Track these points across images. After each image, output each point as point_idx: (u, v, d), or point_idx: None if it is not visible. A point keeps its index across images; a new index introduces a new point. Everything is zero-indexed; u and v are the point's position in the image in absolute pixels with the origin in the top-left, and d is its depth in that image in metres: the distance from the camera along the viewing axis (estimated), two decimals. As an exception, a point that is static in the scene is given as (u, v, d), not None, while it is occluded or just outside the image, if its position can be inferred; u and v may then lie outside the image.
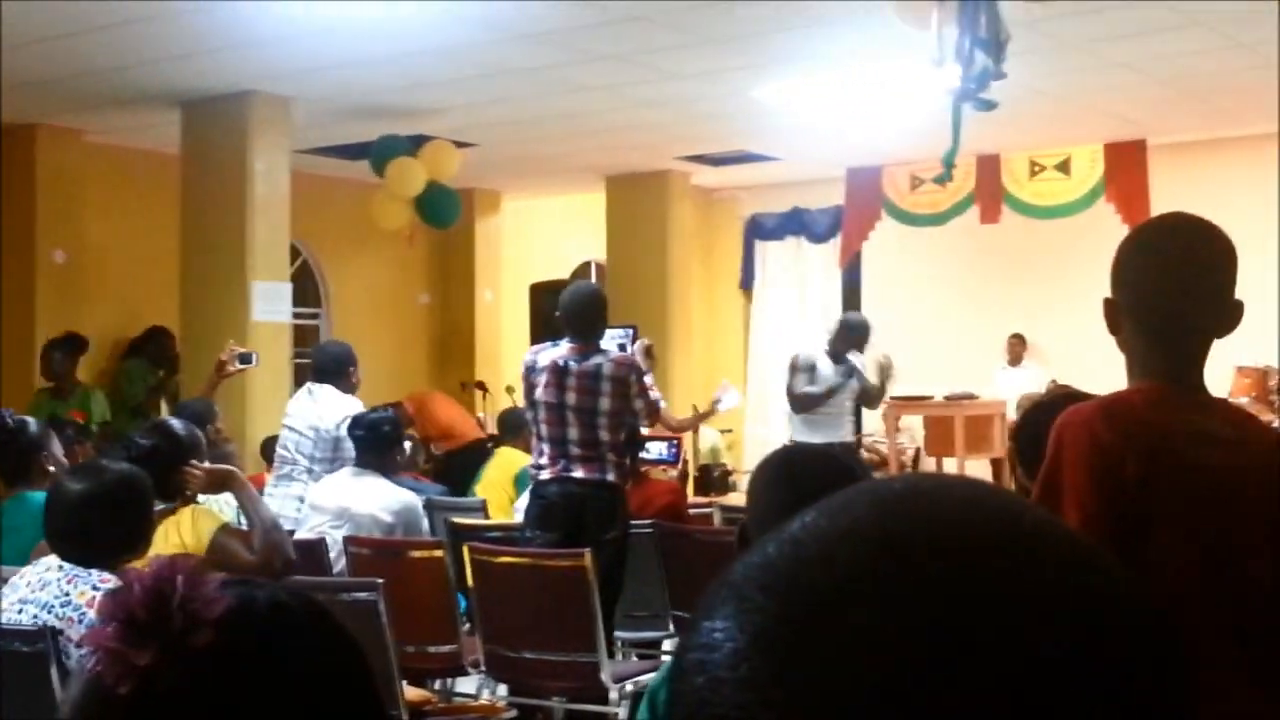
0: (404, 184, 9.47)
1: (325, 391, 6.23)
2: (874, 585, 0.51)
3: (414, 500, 5.63)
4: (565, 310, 5.59)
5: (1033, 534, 0.54)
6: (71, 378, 9.04)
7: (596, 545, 5.07)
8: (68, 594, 3.01)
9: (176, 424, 4.26)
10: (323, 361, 6.46)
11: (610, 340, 6.03)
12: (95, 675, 0.91)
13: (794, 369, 8.21)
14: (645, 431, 6.43)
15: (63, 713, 0.95)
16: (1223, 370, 8.96)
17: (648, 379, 5.73)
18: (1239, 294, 2.20)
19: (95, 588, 3.01)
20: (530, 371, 5.58)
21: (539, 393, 5.54)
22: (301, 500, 5.96)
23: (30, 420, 4.63)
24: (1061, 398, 3.02)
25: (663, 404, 9.22)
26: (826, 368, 8.12)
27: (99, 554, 3.09)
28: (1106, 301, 2.23)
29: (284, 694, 0.93)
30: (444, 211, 9.82)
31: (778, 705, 0.50)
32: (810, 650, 0.51)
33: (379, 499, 5.44)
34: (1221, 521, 2.12)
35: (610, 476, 5.46)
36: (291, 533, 5.10)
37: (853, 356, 8.17)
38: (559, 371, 5.47)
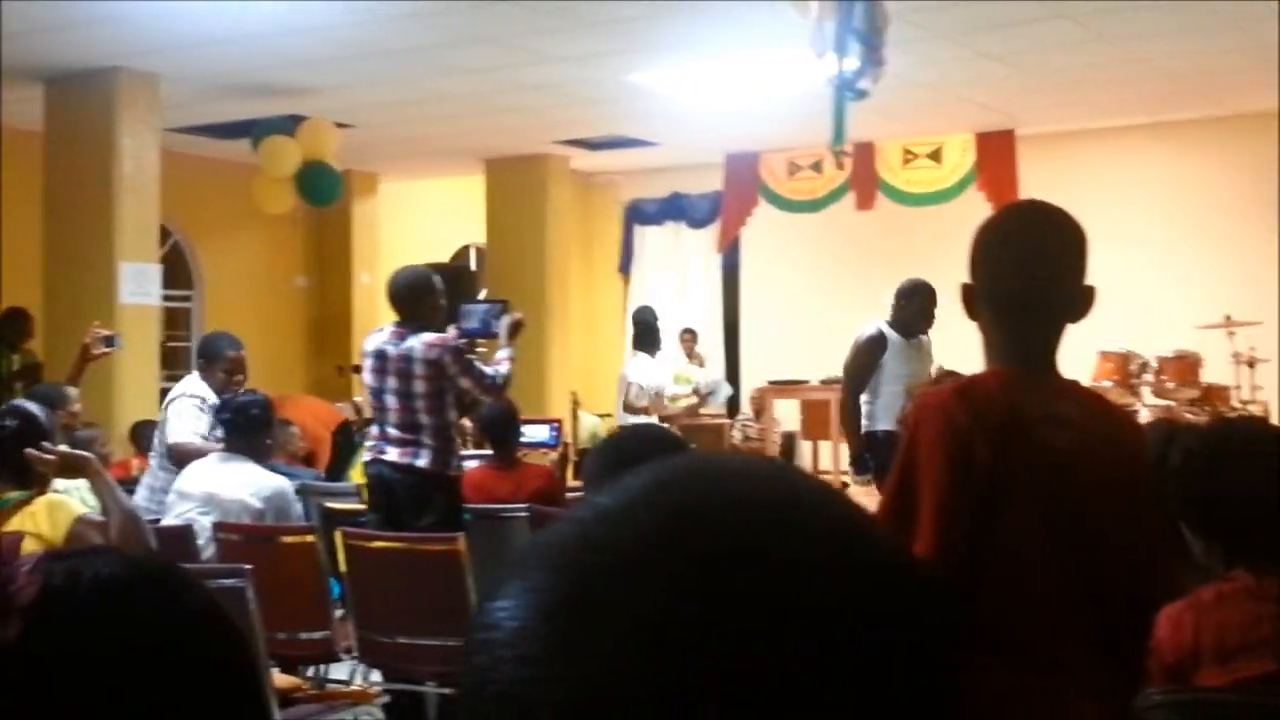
0: (278, 163, 9.33)
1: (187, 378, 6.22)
2: (652, 563, 0.52)
3: (285, 485, 5.54)
4: (389, 294, 5.66)
5: (810, 509, 0.56)
6: None
7: (414, 530, 5.14)
8: None
9: (32, 406, 4.14)
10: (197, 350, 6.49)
11: (477, 317, 6.00)
12: None
13: (856, 347, 6.90)
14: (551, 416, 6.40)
15: None
16: (1086, 354, 9.21)
17: (508, 351, 5.69)
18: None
19: None
20: (363, 356, 5.63)
21: (365, 377, 5.62)
22: (149, 489, 5.90)
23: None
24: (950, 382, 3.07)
25: (656, 388, 9.18)
26: (897, 342, 6.85)
27: None
28: (964, 287, 2.28)
29: (110, 684, 0.83)
30: (323, 189, 9.69)
31: (556, 680, 0.51)
32: (590, 627, 0.51)
33: (248, 484, 5.35)
34: (1072, 502, 2.18)
35: (422, 462, 5.43)
36: (154, 521, 5.00)
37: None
38: (379, 356, 5.51)
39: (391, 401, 5.48)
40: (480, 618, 0.55)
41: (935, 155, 11.38)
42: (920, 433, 2.14)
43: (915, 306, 6.95)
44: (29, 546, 3.64)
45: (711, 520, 0.54)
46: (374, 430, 5.65)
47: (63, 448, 4.10)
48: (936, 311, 6.85)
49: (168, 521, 5.33)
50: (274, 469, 5.97)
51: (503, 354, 5.69)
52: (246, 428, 5.42)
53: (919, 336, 6.99)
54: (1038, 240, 2.24)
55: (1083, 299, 2.23)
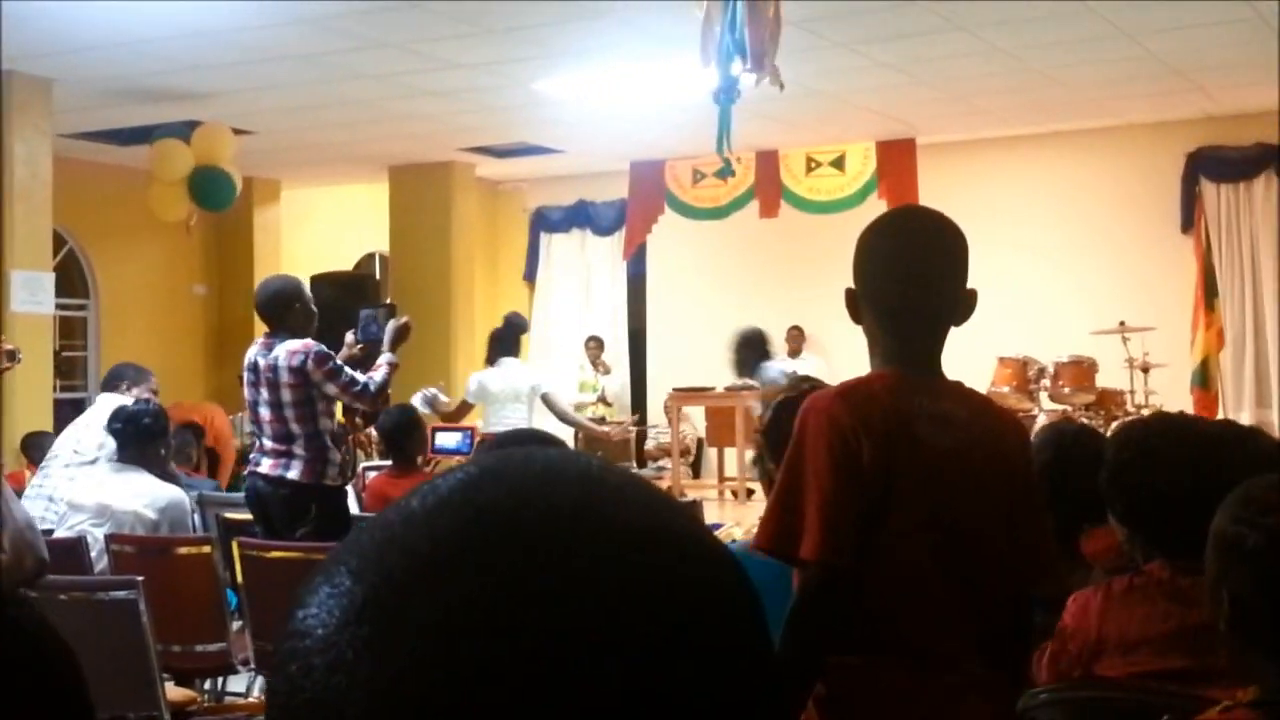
0: (170, 168, 9.17)
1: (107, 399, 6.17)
2: (450, 566, 0.53)
3: (179, 495, 5.46)
4: (255, 305, 5.66)
5: (613, 502, 0.56)
6: None
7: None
8: None
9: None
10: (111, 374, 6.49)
11: (362, 323, 5.94)
12: None
13: None
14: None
15: None
16: (985, 360, 9.35)
17: (388, 357, 5.63)
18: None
19: None
20: (243, 371, 5.61)
21: (244, 391, 5.59)
22: (50, 499, 5.79)
23: None
24: (805, 388, 3.11)
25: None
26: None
27: None
28: (848, 291, 2.31)
29: None
30: (217, 194, 9.53)
31: (365, 684, 0.51)
32: (396, 629, 0.52)
33: (142, 495, 5.26)
34: (955, 501, 2.21)
35: (293, 474, 5.36)
36: (48, 532, 4.90)
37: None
38: (252, 369, 5.48)
39: (265, 413, 5.42)
40: (289, 625, 0.55)
41: (838, 163, 11.50)
42: (805, 436, 2.16)
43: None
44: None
45: (507, 524, 0.54)
46: (256, 443, 5.61)
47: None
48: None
49: (60, 534, 5.23)
50: (171, 478, 5.89)
51: (382, 359, 5.63)
52: (139, 437, 5.33)
53: None
54: (917, 245, 2.28)
55: (964, 303, 2.27)
